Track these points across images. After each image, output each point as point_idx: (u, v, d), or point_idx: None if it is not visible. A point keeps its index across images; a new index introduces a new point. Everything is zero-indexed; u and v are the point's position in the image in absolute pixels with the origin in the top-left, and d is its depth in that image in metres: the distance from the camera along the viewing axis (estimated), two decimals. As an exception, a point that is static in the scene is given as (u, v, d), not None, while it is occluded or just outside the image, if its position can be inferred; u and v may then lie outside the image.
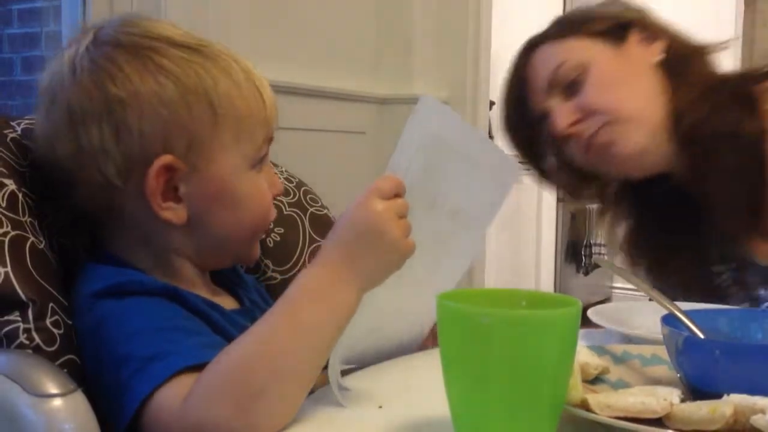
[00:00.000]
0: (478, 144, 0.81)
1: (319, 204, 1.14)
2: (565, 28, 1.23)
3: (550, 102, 1.19)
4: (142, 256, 0.82)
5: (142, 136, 0.77)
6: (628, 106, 1.16)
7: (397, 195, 0.72)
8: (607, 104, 1.16)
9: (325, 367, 0.72)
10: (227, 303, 0.88)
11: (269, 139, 0.85)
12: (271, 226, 1.05)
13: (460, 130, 0.79)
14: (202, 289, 0.84)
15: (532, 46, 1.24)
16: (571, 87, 1.18)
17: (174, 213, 0.79)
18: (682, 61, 1.21)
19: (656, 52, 1.21)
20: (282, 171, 1.14)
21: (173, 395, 0.67)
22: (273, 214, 0.88)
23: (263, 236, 0.91)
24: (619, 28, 1.22)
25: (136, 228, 0.81)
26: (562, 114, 1.17)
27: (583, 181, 1.28)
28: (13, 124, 0.87)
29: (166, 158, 0.77)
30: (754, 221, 1.17)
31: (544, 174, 1.29)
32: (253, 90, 0.82)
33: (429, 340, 0.97)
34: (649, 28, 1.23)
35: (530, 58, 1.23)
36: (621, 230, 1.32)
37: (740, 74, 1.22)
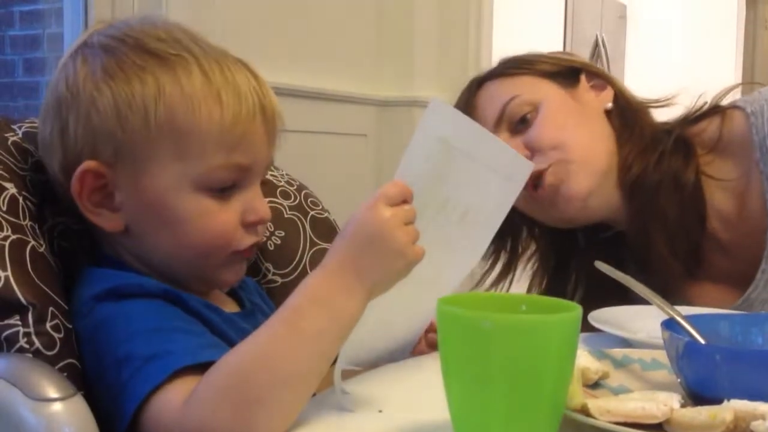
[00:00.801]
0: (489, 145, 0.80)
1: (320, 207, 1.14)
2: (514, 66, 1.22)
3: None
4: (136, 262, 0.82)
5: (76, 137, 0.78)
6: (579, 146, 1.14)
7: (405, 201, 0.72)
8: (558, 142, 1.14)
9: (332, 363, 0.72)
10: (228, 305, 0.88)
11: (241, 168, 0.79)
12: (272, 230, 1.05)
13: (470, 133, 0.78)
14: (200, 292, 0.84)
15: (479, 83, 1.22)
16: (520, 123, 1.15)
17: (106, 220, 0.79)
18: (630, 111, 1.20)
19: (606, 99, 1.21)
20: (283, 174, 1.14)
21: (173, 396, 0.67)
22: (242, 242, 0.82)
23: (242, 259, 0.84)
24: (569, 71, 1.21)
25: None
26: None
27: (506, 228, 1.24)
28: (14, 127, 0.87)
29: (89, 163, 0.77)
30: (692, 267, 1.17)
31: None
32: (212, 111, 0.77)
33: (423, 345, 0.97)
34: (597, 75, 1.23)
35: (476, 95, 1.21)
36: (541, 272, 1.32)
37: (681, 120, 1.21)
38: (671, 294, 1.18)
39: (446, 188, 0.77)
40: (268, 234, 1.05)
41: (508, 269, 1.29)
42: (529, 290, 1.32)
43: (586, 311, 1.05)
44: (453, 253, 0.83)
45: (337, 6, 2.55)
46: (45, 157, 0.82)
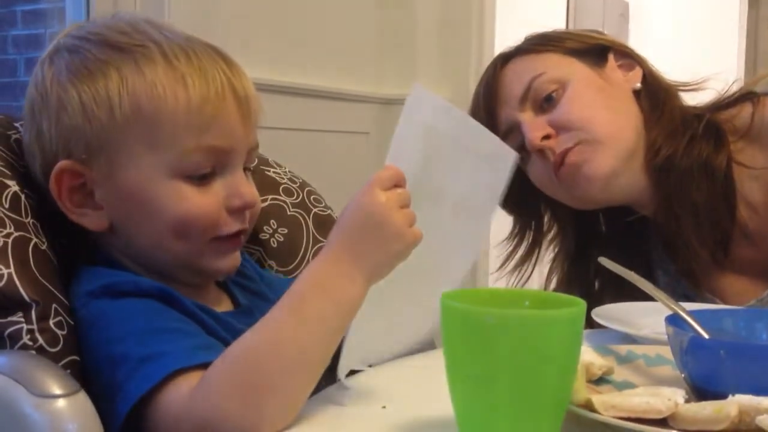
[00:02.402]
0: (472, 131, 0.80)
1: (323, 204, 1.14)
2: (541, 43, 1.20)
3: (521, 115, 1.15)
4: (127, 260, 0.82)
5: (50, 140, 0.79)
6: (605, 126, 1.12)
7: (398, 185, 0.72)
8: (583, 122, 1.12)
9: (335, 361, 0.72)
10: (221, 304, 0.88)
11: (217, 151, 0.78)
12: (275, 227, 1.05)
13: (454, 119, 0.78)
14: (191, 291, 0.83)
15: (505, 59, 1.20)
16: (545, 101, 1.14)
17: (90, 219, 0.79)
18: (659, 93, 1.18)
19: (634, 80, 1.19)
20: (285, 171, 1.14)
21: (171, 395, 0.67)
22: (226, 227, 0.80)
23: (230, 248, 0.83)
24: (597, 49, 1.19)
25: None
26: (534, 127, 1.13)
27: (532, 206, 1.25)
28: (16, 125, 0.87)
29: (63, 163, 0.78)
30: (719, 257, 1.15)
31: None
32: (177, 94, 0.77)
33: None
34: (627, 55, 1.21)
35: (502, 71, 1.19)
36: (560, 257, 1.30)
37: (712, 105, 1.19)
38: (697, 283, 1.16)
39: (434, 174, 0.77)
40: (270, 231, 1.05)
41: (532, 250, 1.27)
42: (549, 274, 1.30)
43: (606, 298, 1.03)
44: (451, 248, 0.83)
45: (339, 4, 2.55)
46: (29, 163, 0.82)
